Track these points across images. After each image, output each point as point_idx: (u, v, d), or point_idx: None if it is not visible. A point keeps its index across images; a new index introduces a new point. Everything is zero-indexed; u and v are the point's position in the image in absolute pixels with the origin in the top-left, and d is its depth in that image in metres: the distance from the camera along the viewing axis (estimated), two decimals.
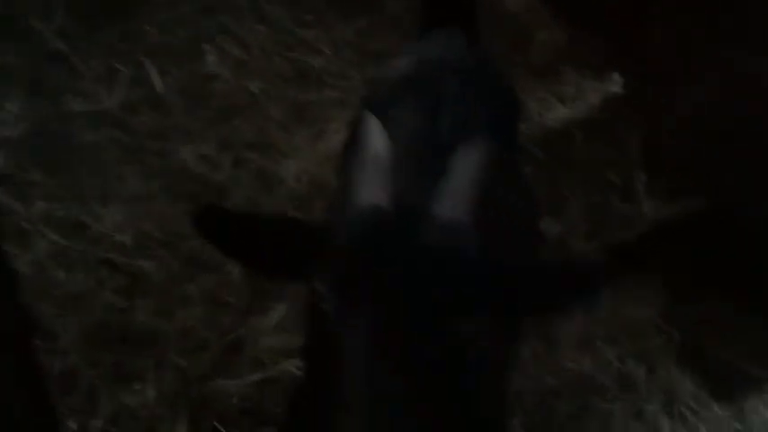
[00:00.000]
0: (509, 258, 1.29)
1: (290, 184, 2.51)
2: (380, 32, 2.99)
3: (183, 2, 3.02)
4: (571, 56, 3.13)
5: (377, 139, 1.11)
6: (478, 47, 1.93)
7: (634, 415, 2.14)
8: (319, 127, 2.68)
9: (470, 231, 1.04)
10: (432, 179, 1.09)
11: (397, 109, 1.52)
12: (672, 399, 2.19)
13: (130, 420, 2.03)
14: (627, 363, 2.23)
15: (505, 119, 1.78)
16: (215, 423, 2.03)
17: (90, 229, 2.34)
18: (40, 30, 2.79)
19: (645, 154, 2.81)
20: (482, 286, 1.02)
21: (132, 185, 2.47)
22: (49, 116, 2.60)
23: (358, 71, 2.86)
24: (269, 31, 3.01)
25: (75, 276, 2.23)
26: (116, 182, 2.48)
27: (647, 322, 2.35)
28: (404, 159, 1.16)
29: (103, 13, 2.92)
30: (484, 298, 1.03)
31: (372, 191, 1.06)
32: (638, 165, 2.79)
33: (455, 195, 1.05)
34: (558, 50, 3.16)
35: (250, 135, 2.66)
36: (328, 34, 3.04)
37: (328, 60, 2.94)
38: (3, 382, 1.44)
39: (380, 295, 0.99)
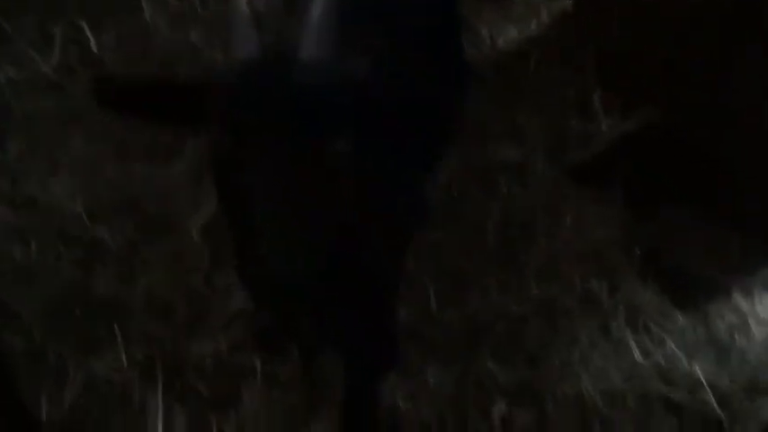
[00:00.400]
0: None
1: None
2: None
3: None
4: None
5: None
6: None
7: (599, 333, 2.17)
8: None
9: (330, 65, 1.21)
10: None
11: None
12: (636, 313, 2.22)
13: (103, 387, 2.04)
14: (590, 283, 2.26)
15: None
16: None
17: (40, 202, 2.29)
18: None
19: (599, 70, 2.77)
20: (349, 111, 1.19)
21: (79, 151, 2.41)
22: None
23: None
24: None
25: (30, 252, 2.19)
26: (61, 149, 2.42)
27: (609, 240, 2.37)
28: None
29: None
30: (352, 119, 1.20)
31: (240, 44, 1.21)
32: (593, 82, 2.76)
33: (313, 36, 1.22)
34: None
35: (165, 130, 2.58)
36: None
37: None
38: None
39: (262, 132, 1.14)
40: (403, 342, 2.10)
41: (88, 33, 2.65)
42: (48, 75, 2.56)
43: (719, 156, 2.46)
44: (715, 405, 2.07)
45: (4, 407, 1.78)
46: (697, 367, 2.14)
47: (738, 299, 2.31)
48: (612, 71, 2.74)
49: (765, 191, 2.37)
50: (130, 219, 2.29)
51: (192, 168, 2.37)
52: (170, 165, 2.39)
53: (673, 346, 2.18)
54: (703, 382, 2.12)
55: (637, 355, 2.16)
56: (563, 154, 2.56)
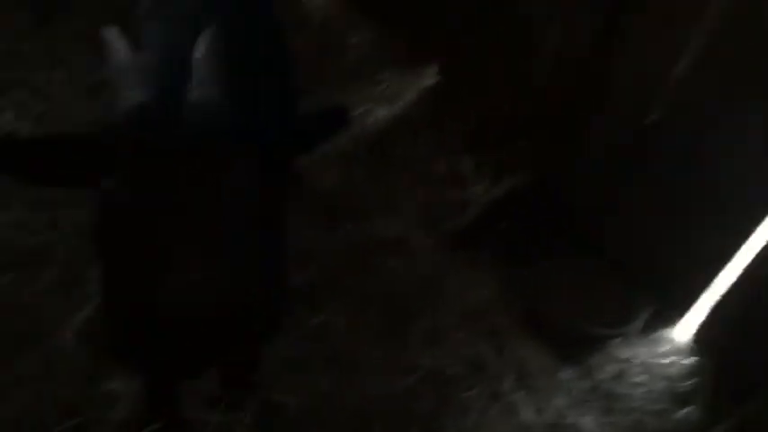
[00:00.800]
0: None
1: None
2: None
3: None
4: (385, 56, 3.18)
5: (120, 49, 1.34)
6: None
7: (490, 397, 2.20)
8: None
9: (219, 102, 1.30)
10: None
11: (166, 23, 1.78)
12: (523, 372, 2.27)
13: None
14: (477, 347, 2.30)
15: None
16: None
17: None
18: None
19: (468, 141, 2.90)
20: (241, 139, 1.27)
21: None
22: None
23: None
24: (68, 77, 2.86)
25: None
26: None
27: (492, 302, 2.43)
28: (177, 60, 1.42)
29: None
30: (244, 148, 1.27)
31: (130, 91, 1.28)
32: (463, 152, 2.88)
33: (201, 79, 1.32)
34: (371, 52, 3.21)
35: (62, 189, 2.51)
36: None
37: None
38: None
39: (163, 167, 1.20)
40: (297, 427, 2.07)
41: None
42: None
43: (587, 211, 2.61)
44: None
45: None
46: (585, 419, 2.20)
47: (617, 348, 2.40)
48: (481, 140, 2.88)
49: (628, 241, 2.51)
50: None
51: (63, 274, 2.29)
52: (39, 273, 2.29)
53: (561, 402, 2.24)
54: None
55: (528, 414, 2.20)
56: (439, 223, 2.64)
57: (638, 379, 2.34)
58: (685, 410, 2.27)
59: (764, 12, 1.99)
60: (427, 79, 3.09)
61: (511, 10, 2.64)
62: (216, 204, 1.22)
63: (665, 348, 2.43)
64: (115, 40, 1.36)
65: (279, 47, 2.03)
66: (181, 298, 1.17)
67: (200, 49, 1.38)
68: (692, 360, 2.40)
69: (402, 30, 3.18)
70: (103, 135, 1.28)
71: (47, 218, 2.40)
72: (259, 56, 1.86)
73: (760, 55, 2.01)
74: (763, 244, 2.17)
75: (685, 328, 2.49)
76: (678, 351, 2.43)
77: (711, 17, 2.06)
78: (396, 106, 3.01)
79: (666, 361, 2.39)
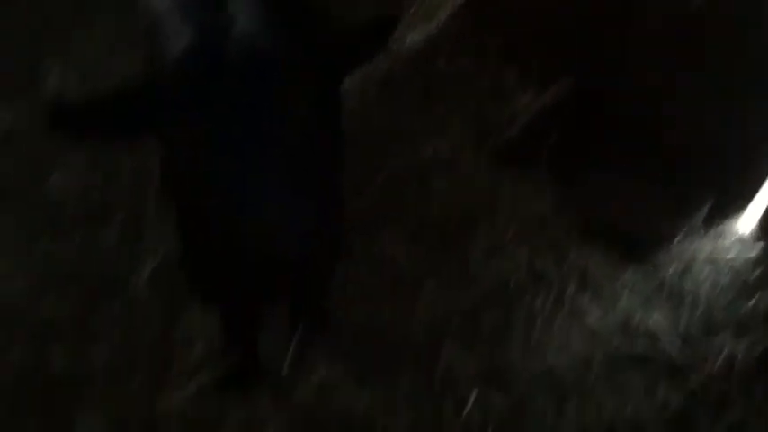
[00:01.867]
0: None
1: None
2: None
3: None
4: None
5: None
6: None
7: (555, 304, 2.21)
8: None
9: (262, 31, 1.28)
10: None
11: None
12: (586, 279, 2.27)
13: None
14: (538, 258, 2.30)
15: None
16: None
17: None
18: None
19: (508, 53, 2.83)
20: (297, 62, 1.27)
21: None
22: None
23: None
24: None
25: None
26: None
27: (548, 214, 2.42)
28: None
29: None
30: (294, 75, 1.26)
31: (174, 34, 1.28)
32: (504, 65, 2.82)
33: (249, 10, 1.30)
34: None
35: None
36: None
37: None
38: None
39: (221, 106, 1.20)
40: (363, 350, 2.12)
41: None
42: None
43: (635, 115, 2.55)
44: (676, 351, 2.13)
45: None
46: (653, 317, 2.20)
47: (680, 245, 2.38)
48: (521, 51, 2.81)
49: (681, 139, 2.45)
50: (75, 289, 2.25)
51: (128, 228, 2.35)
52: (104, 230, 2.35)
53: (627, 303, 2.24)
54: (662, 331, 2.18)
55: (595, 317, 2.21)
56: (487, 140, 2.61)
57: (703, 274, 2.32)
58: (753, 301, 2.26)
59: None
60: None
61: None
62: (281, 136, 1.22)
63: (728, 241, 2.40)
64: None
65: None
66: (259, 235, 1.18)
67: None
68: (756, 251, 2.37)
69: None
70: (155, 83, 1.29)
71: (105, 174, 2.45)
72: None
73: None
74: None
75: (748, 220, 2.45)
76: (742, 242, 2.40)
77: None
78: (431, 25, 2.95)
79: (731, 253, 2.37)
